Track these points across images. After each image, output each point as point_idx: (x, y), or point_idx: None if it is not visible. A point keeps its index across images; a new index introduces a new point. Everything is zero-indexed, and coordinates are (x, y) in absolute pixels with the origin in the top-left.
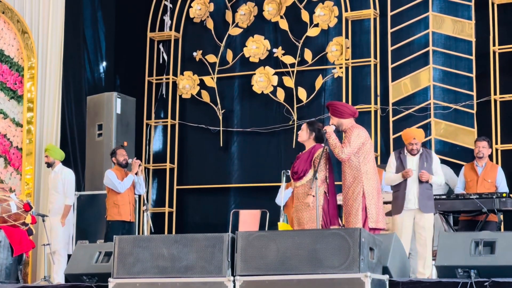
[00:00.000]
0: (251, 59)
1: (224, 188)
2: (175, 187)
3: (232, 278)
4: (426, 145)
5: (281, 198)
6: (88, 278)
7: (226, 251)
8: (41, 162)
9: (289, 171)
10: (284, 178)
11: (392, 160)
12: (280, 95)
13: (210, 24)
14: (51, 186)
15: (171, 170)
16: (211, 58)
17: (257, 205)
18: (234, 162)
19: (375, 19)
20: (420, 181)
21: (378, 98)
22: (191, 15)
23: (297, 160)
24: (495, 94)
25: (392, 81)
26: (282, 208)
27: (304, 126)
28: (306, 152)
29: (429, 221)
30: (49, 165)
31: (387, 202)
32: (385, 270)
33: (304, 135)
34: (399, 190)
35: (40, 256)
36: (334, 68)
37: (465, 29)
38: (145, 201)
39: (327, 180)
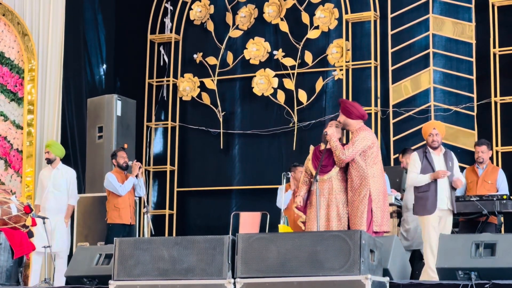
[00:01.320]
0: (251, 61)
1: (225, 190)
2: (176, 189)
3: (232, 280)
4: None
5: (282, 201)
6: (89, 280)
7: (227, 253)
8: (41, 165)
9: (290, 173)
10: (284, 180)
11: (416, 160)
12: (281, 97)
13: (210, 26)
14: (51, 183)
15: (172, 172)
16: (211, 60)
17: (259, 207)
18: (235, 164)
19: (375, 21)
20: (450, 181)
21: (379, 100)
22: (192, 17)
23: (325, 155)
24: (495, 96)
25: (393, 83)
26: (282, 210)
27: (337, 123)
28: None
29: (451, 222)
30: (50, 161)
31: (391, 204)
32: (386, 272)
33: (338, 132)
34: (428, 190)
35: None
36: (335, 70)
37: (466, 31)
38: (146, 204)
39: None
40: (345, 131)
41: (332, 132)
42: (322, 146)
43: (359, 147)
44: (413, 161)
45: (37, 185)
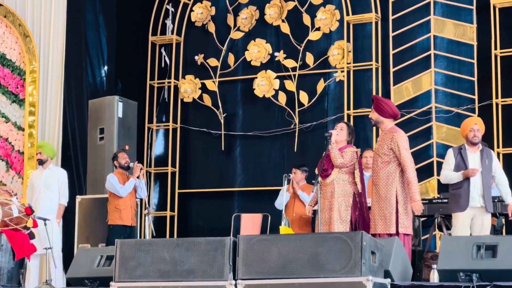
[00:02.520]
0: (252, 63)
1: (227, 192)
2: (177, 190)
3: (233, 282)
4: (428, 149)
5: (281, 202)
6: (90, 282)
7: (228, 254)
8: None
9: (291, 175)
10: (286, 181)
11: (450, 157)
12: (282, 99)
13: (211, 27)
14: (43, 184)
15: (173, 174)
16: (212, 62)
17: (261, 208)
18: (236, 166)
19: (376, 23)
20: (484, 178)
21: None
22: (193, 19)
23: (327, 158)
24: (496, 97)
25: (394, 85)
26: (283, 211)
27: (343, 125)
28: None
29: (489, 220)
30: (42, 162)
31: None
32: (387, 274)
33: (343, 135)
34: (461, 187)
35: (41, 260)
36: (336, 72)
37: (467, 32)
38: (147, 205)
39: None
40: (353, 133)
41: (334, 139)
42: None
43: (408, 152)
44: (447, 157)
45: (28, 187)
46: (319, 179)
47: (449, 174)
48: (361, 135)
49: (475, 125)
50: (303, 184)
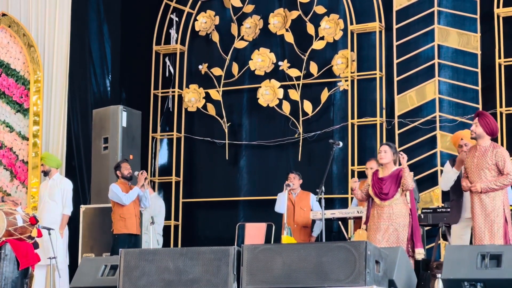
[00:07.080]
0: (256, 72)
1: (232, 201)
2: (181, 200)
3: None
4: (432, 159)
5: (280, 206)
6: None
7: (232, 264)
8: None
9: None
10: (288, 189)
11: (446, 168)
12: (286, 108)
13: (215, 37)
14: (47, 194)
15: (177, 183)
16: (216, 71)
17: (266, 218)
18: (242, 175)
19: (380, 32)
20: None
21: (384, 111)
22: (197, 28)
23: (384, 182)
24: (500, 106)
25: (398, 94)
26: (285, 219)
27: (386, 148)
28: (393, 175)
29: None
30: (45, 173)
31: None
32: (391, 283)
33: (388, 157)
34: (454, 199)
35: (47, 270)
36: (340, 81)
37: (471, 42)
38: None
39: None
40: (397, 152)
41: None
42: (380, 173)
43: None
44: (445, 169)
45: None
46: (379, 201)
47: (445, 174)
48: (367, 145)
49: (461, 140)
50: (299, 190)
